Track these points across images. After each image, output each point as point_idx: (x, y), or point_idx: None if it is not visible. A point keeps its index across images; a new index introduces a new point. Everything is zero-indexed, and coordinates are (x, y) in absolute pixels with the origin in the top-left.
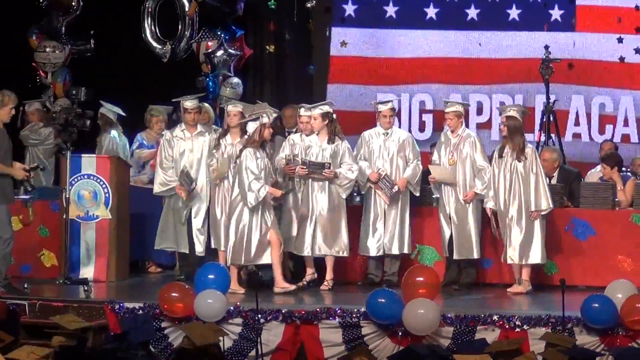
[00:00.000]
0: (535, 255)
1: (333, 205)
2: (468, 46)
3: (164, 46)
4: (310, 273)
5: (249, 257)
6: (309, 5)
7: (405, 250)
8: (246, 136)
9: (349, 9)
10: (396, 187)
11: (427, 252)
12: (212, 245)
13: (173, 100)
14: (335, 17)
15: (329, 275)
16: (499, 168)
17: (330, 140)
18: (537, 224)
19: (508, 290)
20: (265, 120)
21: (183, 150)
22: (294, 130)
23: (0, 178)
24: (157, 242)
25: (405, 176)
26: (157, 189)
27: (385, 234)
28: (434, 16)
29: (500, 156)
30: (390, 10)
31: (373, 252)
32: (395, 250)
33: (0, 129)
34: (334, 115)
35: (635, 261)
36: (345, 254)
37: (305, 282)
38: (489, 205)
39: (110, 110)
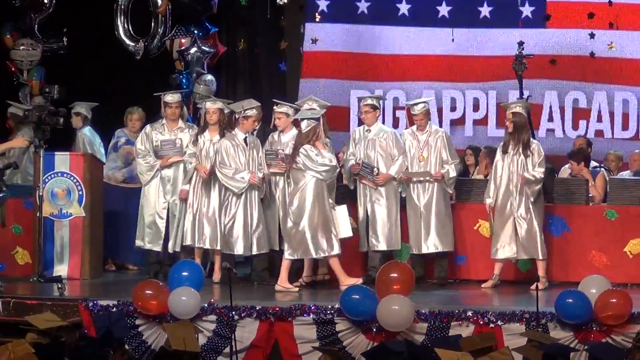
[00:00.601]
0: (543, 251)
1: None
2: (441, 43)
3: (137, 43)
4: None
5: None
6: (280, 2)
7: (394, 247)
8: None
9: (322, 4)
10: (376, 170)
11: (403, 249)
12: (187, 242)
13: (154, 94)
14: (309, 13)
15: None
16: (503, 164)
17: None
18: (539, 220)
19: (483, 286)
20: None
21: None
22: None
23: None
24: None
25: (390, 172)
26: (146, 177)
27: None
28: (406, 12)
29: (505, 152)
30: (363, 6)
31: (364, 249)
32: (382, 247)
33: None
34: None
35: (609, 256)
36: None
37: (303, 282)
38: (488, 201)
39: (84, 105)
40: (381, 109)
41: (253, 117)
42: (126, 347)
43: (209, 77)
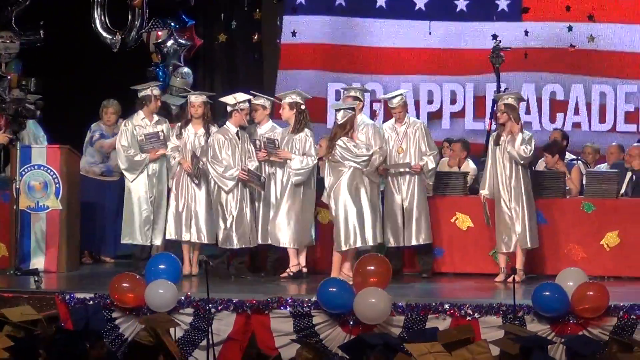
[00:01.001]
0: (533, 241)
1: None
2: (418, 36)
3: (114, 36)
4: (295, 264)
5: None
6: None
7: (378, 240)
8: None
9: None
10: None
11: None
12: (171, 236)
13: (131, 87)
14: (287, 5)
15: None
16: (495, 156)
17: (295, 130)
18: (530, 210)
19: (496, 280)
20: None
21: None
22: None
23: None
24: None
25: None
26: (134, 174)
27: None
28: (383, 5)
29: (497, 144)
30: None
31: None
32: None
33: None
34: (304, 107)
35: (586, 249)
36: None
37: (290, 273)
38: (484, 193)
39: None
40: (364, 101)
41: (245, 110)
42: (103, 340)
43: (186, 69)
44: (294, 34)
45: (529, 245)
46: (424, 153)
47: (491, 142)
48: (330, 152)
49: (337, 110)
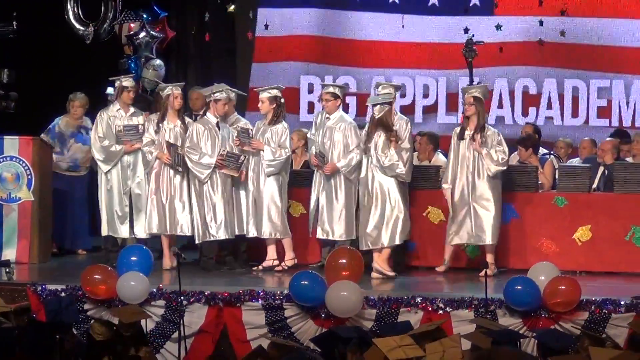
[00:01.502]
0: (494, 236)
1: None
2: (391, 29)
3: (87, 28)
4: (291, 257)
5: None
6: None
7: (352, 236)
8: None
9: None
10: (326, 159)
11: None
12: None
13: (110, 79)
14: None
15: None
16: (459, 150)
17: (272, 122)
18: (497, 205)
19: (437, 269)
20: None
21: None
22: (201, 112)
23: None
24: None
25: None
26: (108, 165)
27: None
28: None
29: (462, 138)
30: None
31: (320, 236)
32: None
33: None
34: (282, 100)
35: (558, 243)
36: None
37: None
38: (445, 186)
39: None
40: (342, 98)
41: (222, 100)
42: (74, 331)
43: (158, 61)
44: (266, 26)
45: (490, 242)
46: (402, 148)
47: (454, 136)
48: (367, 145)
49: (374, 105)
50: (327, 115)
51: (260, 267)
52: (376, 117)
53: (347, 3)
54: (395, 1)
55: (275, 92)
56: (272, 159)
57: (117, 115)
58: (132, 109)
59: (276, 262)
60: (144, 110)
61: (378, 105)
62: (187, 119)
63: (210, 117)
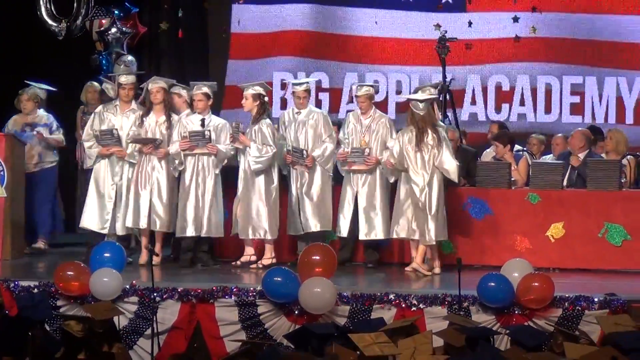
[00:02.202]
0: (432, 235)
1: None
2: (364, 24)
3: (60, 24)
4: (269, 257)
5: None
6: None
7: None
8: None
9: None
10: (305, 152)
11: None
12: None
13: (109, 75)
14: None
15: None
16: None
17: (256, 120)
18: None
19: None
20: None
21: (113, 125)
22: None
23: None
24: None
25: (313, 154)
26: (89, 162)
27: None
28: None
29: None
30: None
31: (299, 232)
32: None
33: None
34: (267, 98)
35: (531, 240)
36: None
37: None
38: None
39: (40, 88)
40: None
41: (197, 96)
42: (47, 328)
43: (129, 57)
44: (238, 22)
45: (434, 239)
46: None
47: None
48: (419, 146)
49: (421, 101)
50: (297, 111)
51: (238, 263)
52: (420, 113)
53: None
54: None
55: (259, 88)
56: (259, 156)
57: (114, 112)
58: (133, 105)
59: (254, 258)
60: None
61: (421, 103)
62: (174, 116)
63: (194, 114)
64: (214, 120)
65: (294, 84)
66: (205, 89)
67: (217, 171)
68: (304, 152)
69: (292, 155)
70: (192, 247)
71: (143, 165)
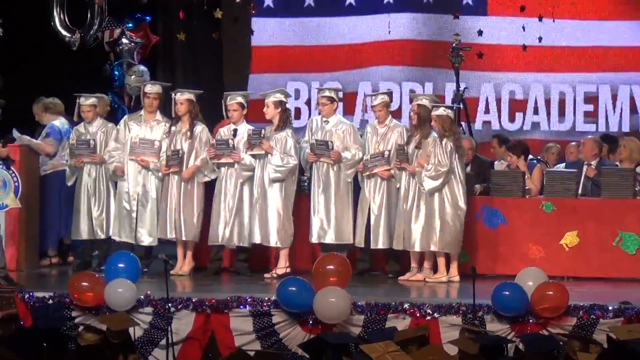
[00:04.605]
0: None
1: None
2: (378, 30)
3: (73, 34)
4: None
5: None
6: None
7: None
8: None
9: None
10: (331, 144)
11: None
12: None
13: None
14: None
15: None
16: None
17: (278, 129)
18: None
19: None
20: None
21: (136, 135)
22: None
23: None
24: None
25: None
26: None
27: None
28: (352, 2)
29: (407, 144)
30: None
31: (314, 241)
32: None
33: None
34: (287, 105)
35: (545, 249)
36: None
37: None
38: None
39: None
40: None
41: (231, 106)
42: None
43: (141, 67)
44: (252, 33)
45: (416, 248)
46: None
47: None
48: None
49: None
50: (325, 119)
51: (274, 274)
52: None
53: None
54: (390, 1)
55: (280, 95)
56: (280, 165)
57: (139, 121)
58: (157, 116)
59: (289, 270)
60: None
61: (441, 109)
62: (197, 127)
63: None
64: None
65: (318, 90)
66: (240, 99)
67: (241, 180)
68: (330, 143)
69: (317, 148)
70: (220, 256)
71: (170, 175)
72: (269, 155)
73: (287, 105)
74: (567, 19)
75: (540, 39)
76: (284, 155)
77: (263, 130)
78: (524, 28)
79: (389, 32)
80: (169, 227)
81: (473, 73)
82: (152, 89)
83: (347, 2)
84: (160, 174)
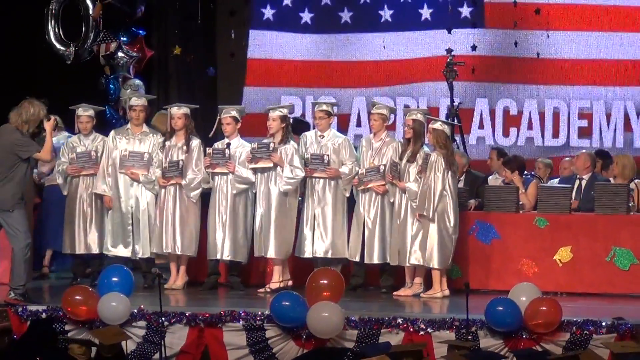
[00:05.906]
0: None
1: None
2: (374, 48)
3: (68, 48)
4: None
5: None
6: None
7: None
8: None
9: (267, 13)
10: (326, 158)
11: None
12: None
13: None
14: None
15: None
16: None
17: (282, 142)
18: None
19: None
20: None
21: (125, 149)
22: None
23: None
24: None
25: (340, 169)
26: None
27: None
28: (348, 20)
29: (400, 159)
30: (306, 16)
31: (308, 255)
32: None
33: None
34: (291, 119)
35: (539, 264)
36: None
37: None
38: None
39: None
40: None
41: (225, 119)
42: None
43: (137, 81)
44: (246, 46)
45: (407, 262)
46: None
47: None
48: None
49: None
50: (320, 134)
51: (268, 289)
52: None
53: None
54: (388, 19)
55: (285, 110)
56: (291, 177)
57: (126, 135)
58: (144, 128)
59: (287, 284)
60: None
61: (438, 123)
62: (194, 141)
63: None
64: (242, 145)
65: (314, 104)
66: (234, 113)
67: (235, 191)
68: (325, 157)
69: (311, 162)
70: (217, 270)
71: (165, 189)
72: (278, 168)
73: (291, 120)
74: (563, 30)
75: (538, 54)
76: (292, 167)
77: (271, 144)
78: (516, 44)
79: (384, 47)
80: (164, 242)
81: (467, 84)
82: (138, 101)
83: (343, 20)
84: (154, 187)
